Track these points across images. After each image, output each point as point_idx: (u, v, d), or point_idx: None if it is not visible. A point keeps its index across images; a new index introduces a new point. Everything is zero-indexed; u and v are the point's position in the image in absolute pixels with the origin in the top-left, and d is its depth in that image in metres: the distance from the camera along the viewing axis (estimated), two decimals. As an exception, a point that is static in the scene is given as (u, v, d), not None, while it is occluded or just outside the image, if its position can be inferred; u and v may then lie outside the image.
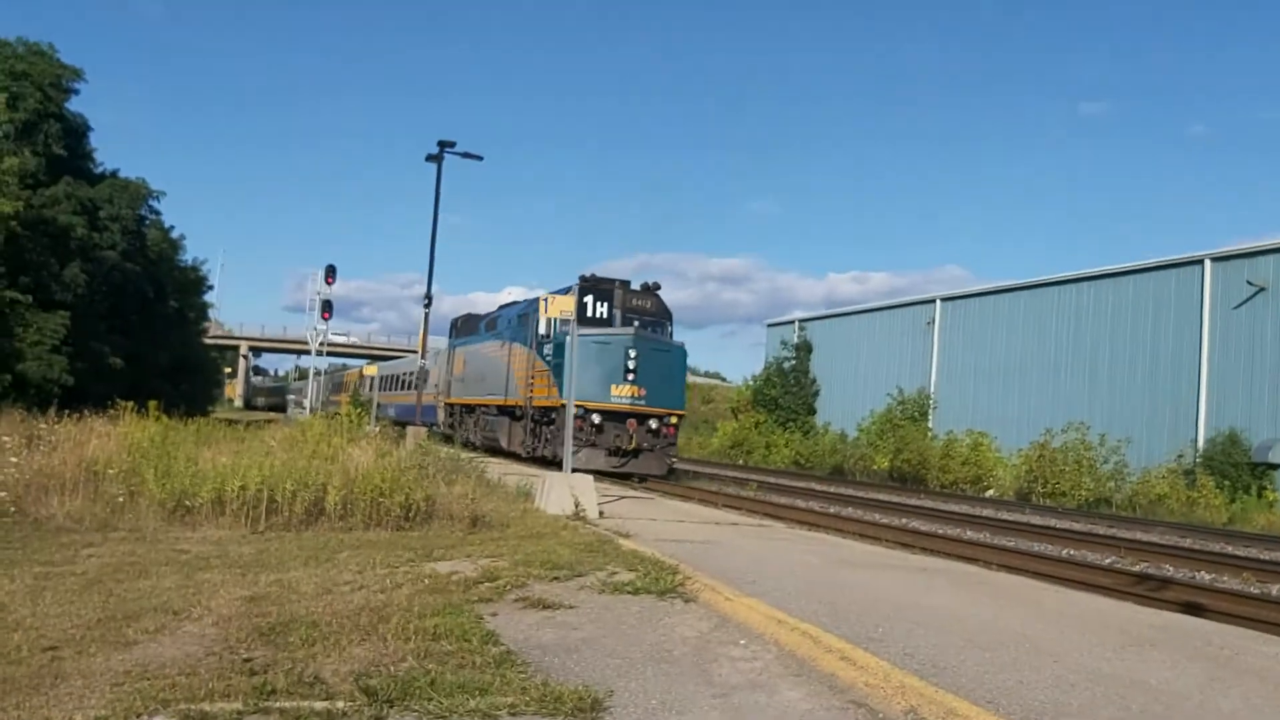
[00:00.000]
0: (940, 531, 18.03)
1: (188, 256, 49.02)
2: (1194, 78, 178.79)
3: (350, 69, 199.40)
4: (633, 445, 22.94)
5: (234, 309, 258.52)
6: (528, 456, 25.00)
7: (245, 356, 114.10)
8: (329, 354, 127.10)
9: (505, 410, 27.13)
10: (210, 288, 54.84)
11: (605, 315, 11.59)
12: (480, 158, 29.30)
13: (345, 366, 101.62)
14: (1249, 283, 30.25)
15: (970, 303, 42.05)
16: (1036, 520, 23.25)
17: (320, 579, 8.12)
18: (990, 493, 32.73)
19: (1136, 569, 14.58)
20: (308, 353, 77.43)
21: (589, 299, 11.57)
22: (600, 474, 19.82)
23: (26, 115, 37.03)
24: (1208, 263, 31.83)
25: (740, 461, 45.54)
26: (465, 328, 34.71)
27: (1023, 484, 31.09)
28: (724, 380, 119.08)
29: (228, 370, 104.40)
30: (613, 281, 20.30)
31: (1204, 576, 14.27)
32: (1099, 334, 35.34)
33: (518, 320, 26.60)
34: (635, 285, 20.75)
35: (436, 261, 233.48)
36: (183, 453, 13.10)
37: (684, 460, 43.61)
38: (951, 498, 29.51)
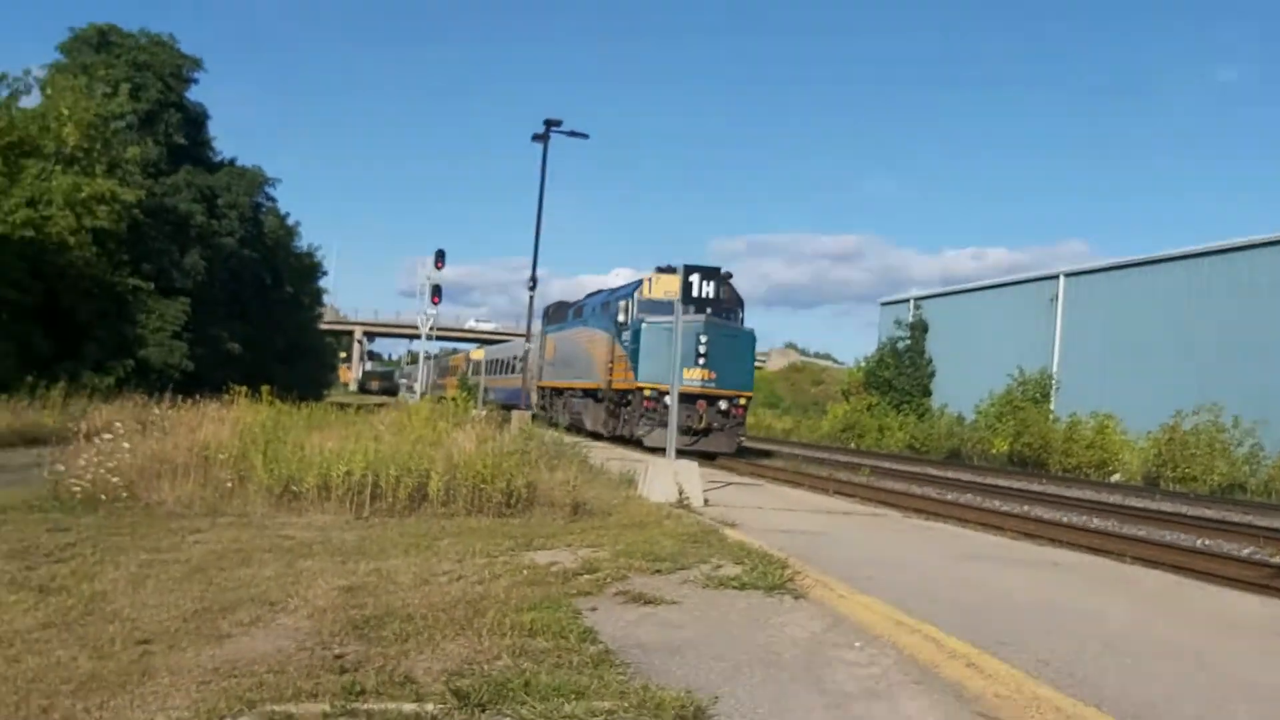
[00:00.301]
0: (1066, 520, 17.19)
1: (302, 243, 50.17)
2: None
3: (461, 53, 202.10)
4: (703, 425, 24.39)
5: (349, 294, 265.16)
6: (609, 436, 26.57)
7: (359, 341, 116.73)
8: (440, 338, 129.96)
9: (589, 393, 28.88)
10: (325, 273, 56.02)
11: (710, 294, 11.16)
12: (586, 136, 29.07)
13: (456, 350, 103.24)
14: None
15: (1096, 278, 40.32)
16: (1167, 507, 22.07)
17: (419, 568, 7.93)
18: (1116, 477, 31.34)
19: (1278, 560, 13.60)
20: (419, 337, 78.87)
21: (695, 276, 11.15)
22: (681, 453, 20.07)
23: (148, 105, 38.18)
24: (1356, 233, 29.86)
25: (852, 445, 44.63)
26: (556, 315, 36.09)
27: (1150, 468, 29.66)
28: (836, 362, 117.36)
29: (342, 355, 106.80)
30: (692, 270, 17.63)
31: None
32: (1233, 310, 33.46)
33: (600, 308, 28.87)
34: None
35: (545, 244, 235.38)
36: (291, 438, 13.10)
37: (793, 444, 43.00)
38: (1075, 483, 28.30)
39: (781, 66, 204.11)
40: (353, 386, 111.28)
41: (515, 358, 44.06)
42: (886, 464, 32.06)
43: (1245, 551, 14.67)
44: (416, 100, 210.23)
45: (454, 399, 26.26)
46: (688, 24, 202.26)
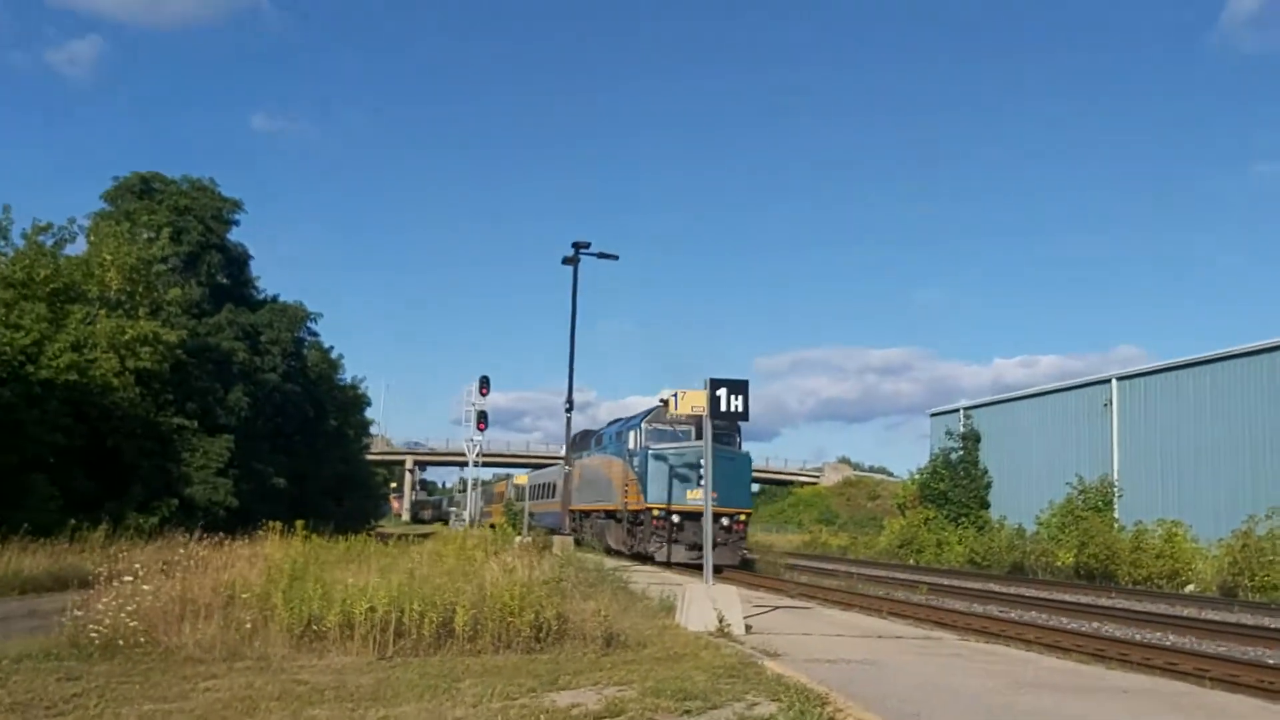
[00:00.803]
0: (1139, 637, 16.15)
1: (346, 375, 50.56)
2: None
3: (500, 179, 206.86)
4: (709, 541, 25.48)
5: (401, 425, 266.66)
6: (629, 554, 28.19)
7: (410, 470, 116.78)
8: (491, 464, 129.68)
9: (609, 514, 31.15)
10: (370, 404, 56.30)
11: (739, 407, 10.78)
12: (616, 257, 29.02)
13: (509, 475, 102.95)
14: None
15: (1150, 380, 39.26)
16: (1247, 619, 20.81)
17: (430, 714, 7.36)
18: (1190, 588, 29.82)
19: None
20: (467, 464, 78.76)
21: (723, 390, 10.74)
22: (683, 566, 25.22)
23: (190, 248, 39.07)
24: None
25: (910, 561, 43.23)
26: (581, 443, 38.15)
27: (1226, 577, 28.20)
28: (890, 475, 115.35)
29: (393, 485, 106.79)
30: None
31: None
32: (1299, 407, 32.30)
33: (615, 436, 31.36)
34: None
35: (593, 367, 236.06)
36: (312, 573, 12.63)
37: (849, 562, 41.72)
38: (1146, 595, 26.94)
39: (823, 177, 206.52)
40: (404, 516, 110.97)
41: (555, 482, 44.83)
42: (946, 581, 30.87)
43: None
44: (460, 225, 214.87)
45: (494, 525, 25.89)
46: (724, 154, 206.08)
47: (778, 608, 15.81)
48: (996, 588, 28.32)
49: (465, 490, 76.03)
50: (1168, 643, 15.63)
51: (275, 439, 42.58)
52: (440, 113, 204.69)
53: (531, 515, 44.84)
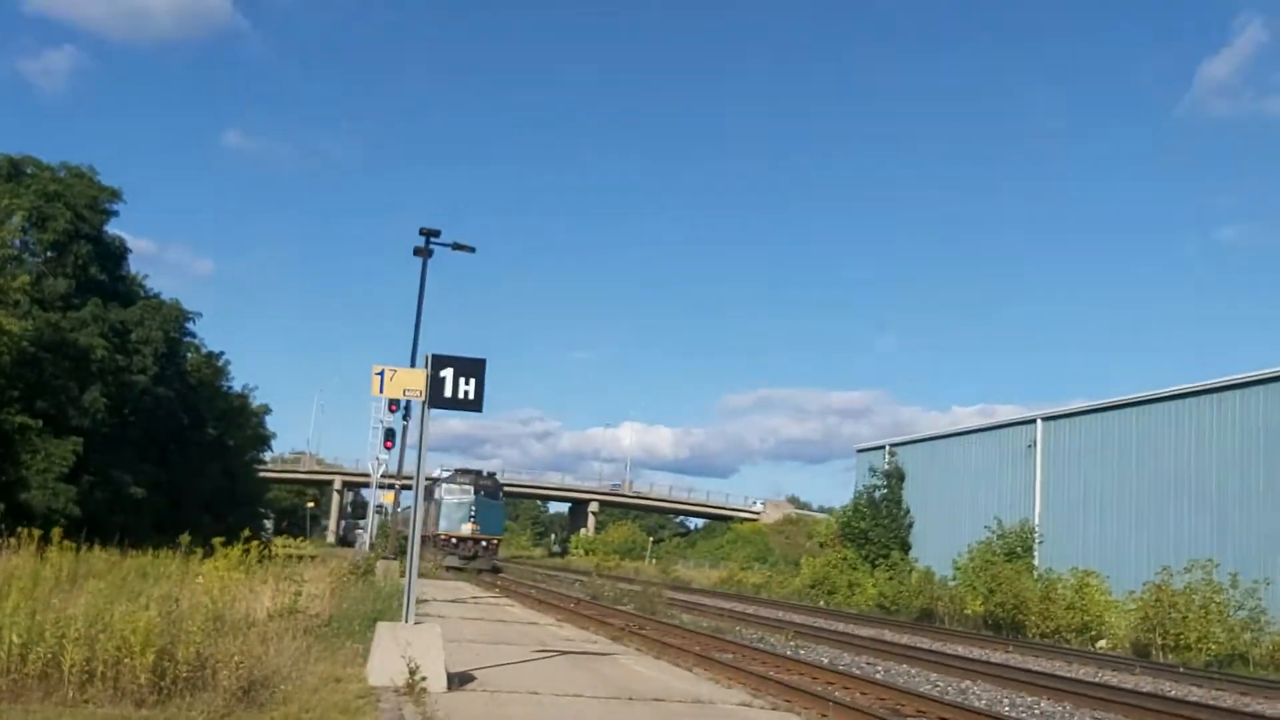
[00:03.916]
0: (1007, 712, 13.56)
1: (235, 384, 47.12)
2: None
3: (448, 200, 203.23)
4: (472, 553, 47.71)
5: (333, 445, 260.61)
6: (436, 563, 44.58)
7: (339, 491, 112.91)
8: (407, 486, 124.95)
9: (429, 538, 46.20)
10: (266, 413, 52.84)
11: (470, 394, 8.21)
12: (472, 249, 26.20)
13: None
14: None
15: (1075, 422, 36.97)
16: (1146, 684, 18.32)
17: None
18: (1101, 645, 27.35)
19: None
20: (407, 487, 75.38)
21: (449, 371, 8.08)
22: (457, 570, 44.50)
23: (56, 236, 35.93)
24: (1356, 366, 26.69)
25: (820, 603, 40.57)
26: (428, 488, 51.78)
27: (1139, 634, 25.75)
28: (832, 514, 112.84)
29: (310, 505, 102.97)
30: (468, 472, 51.06)
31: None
32: (1225, 455, 30.02)
33: (434, 486, 49.86)
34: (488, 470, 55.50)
35: (557, 398, 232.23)
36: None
37: (755, 602, 39.05)
38: (1053, 651, 24.43)
39: (789, 223, 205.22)
40: (330, 539, 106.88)
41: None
42: (841, 625, 28.28)
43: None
44: (405, 244, 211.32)
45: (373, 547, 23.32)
46: (692, 186, 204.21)
47: (563, 653, 13.06)
48: (890, 636, 25.74)
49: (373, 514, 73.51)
50: (1037, 710, 13.06)
51: (145, 446, 39.30)
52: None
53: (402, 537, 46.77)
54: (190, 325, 41.34)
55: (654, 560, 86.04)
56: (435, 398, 9.26)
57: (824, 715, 10.94)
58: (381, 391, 9.17)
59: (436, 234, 25.36)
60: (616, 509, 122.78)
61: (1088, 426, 36.15)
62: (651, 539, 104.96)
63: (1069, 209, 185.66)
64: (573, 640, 15.34)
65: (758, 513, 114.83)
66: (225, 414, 44.40)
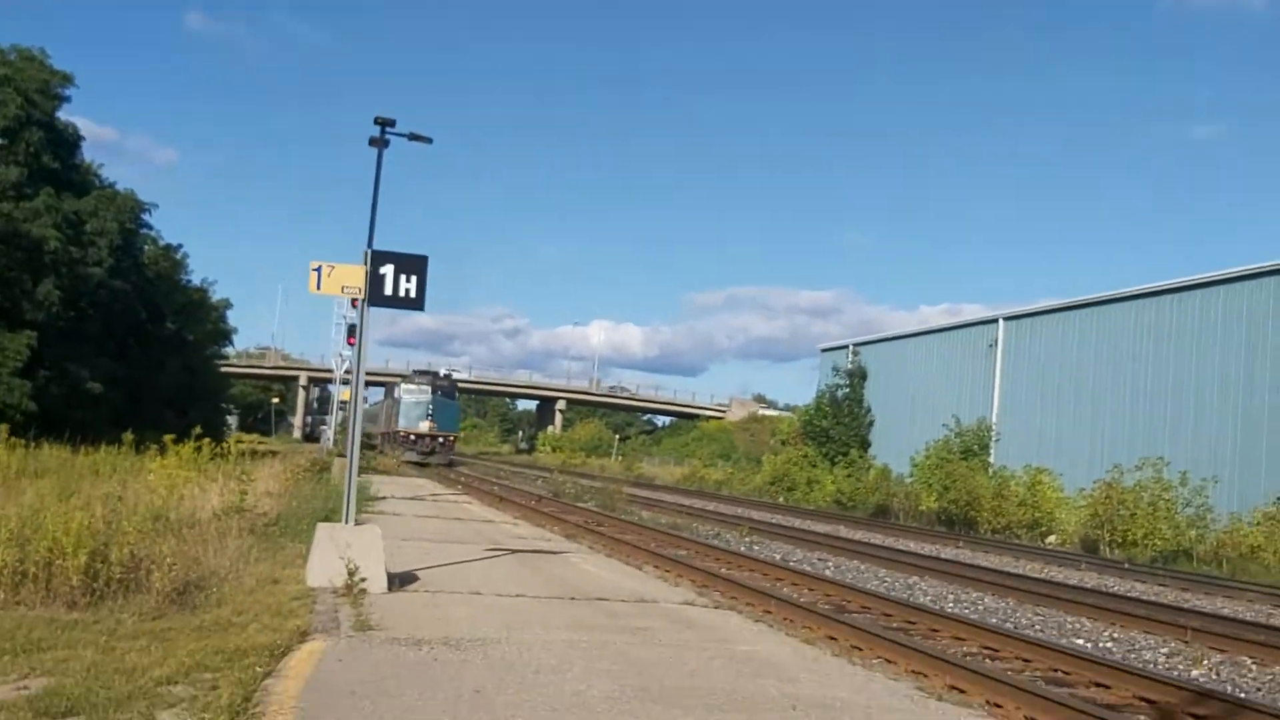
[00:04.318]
0: (950, 608, 13.79)
1: (194, 277, 46.29)
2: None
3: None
4: (430, 449, 49.52)
5: (299, 340, 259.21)
6: (393, 458, 47.11)
7: (304, 387, 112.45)
8: (371, 382, 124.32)
9: (388, 435, 53.13)
10: (229, 307, 52.22)
11: (411, 291, 8.01)
12: (429, 140, 25.28)
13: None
14: (1363, 291, 25.26)
15: (1036, 321, 37.19)
16: (1090, 580, 18.70)
17: None
18: (1051, 540, 27.94)
19: (1201, 672, 10.21)
20: (388, 382, 75.01)
21: (389, 268, 7.83)
22: (418, 465, 45.43)
23: (6, 122, 34.80)
24: (1313, 268, 26.82)
25: (780, 500, 41.12)
26: (388, 389, 58.94)
27: (1088, 530, 26.28)
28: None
29: (275, 401, 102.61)
30: (425, 373, 55.71)
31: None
32: (1182, 355, 30.33)
33: (390, 390, 56.52)
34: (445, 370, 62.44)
35: (528, 296, 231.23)
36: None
37: (715, 498, 39.48)
38: (1003, 547, 24.91)
39: (757, 118, 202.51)
40: (297, 435, 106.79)
41: (377, 412, 62.50)
42: (798, 521, 28.66)
43: (1165, 651, 11.32)
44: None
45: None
46: (665, 78, 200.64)
47: (514, 551, 13.11)
48: (845, 531, 26.14)
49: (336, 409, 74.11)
50: (977, 615, 13.28)
51: (103, 341, 38.77)
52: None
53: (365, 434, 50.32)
54: (146, 217, 40.45)
55: (620, 457, 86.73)
56: (375, 295, 9.04)
57: (767, 612, 11.06)
58: (319, 288, 8.93)
59: (392, 123, 24.36)
60: (584, 407, 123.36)
61: (1049, 326, 36.37)
62: (618, 436, 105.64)
63: (1043, 104, 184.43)
64: (526, 539, 15.42)
65: (724, 411, 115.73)
66: (184, 308, 43.78)
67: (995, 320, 39.01)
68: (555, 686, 5.72)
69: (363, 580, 8.56)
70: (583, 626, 7.90)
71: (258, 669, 5.66)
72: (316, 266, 8.84)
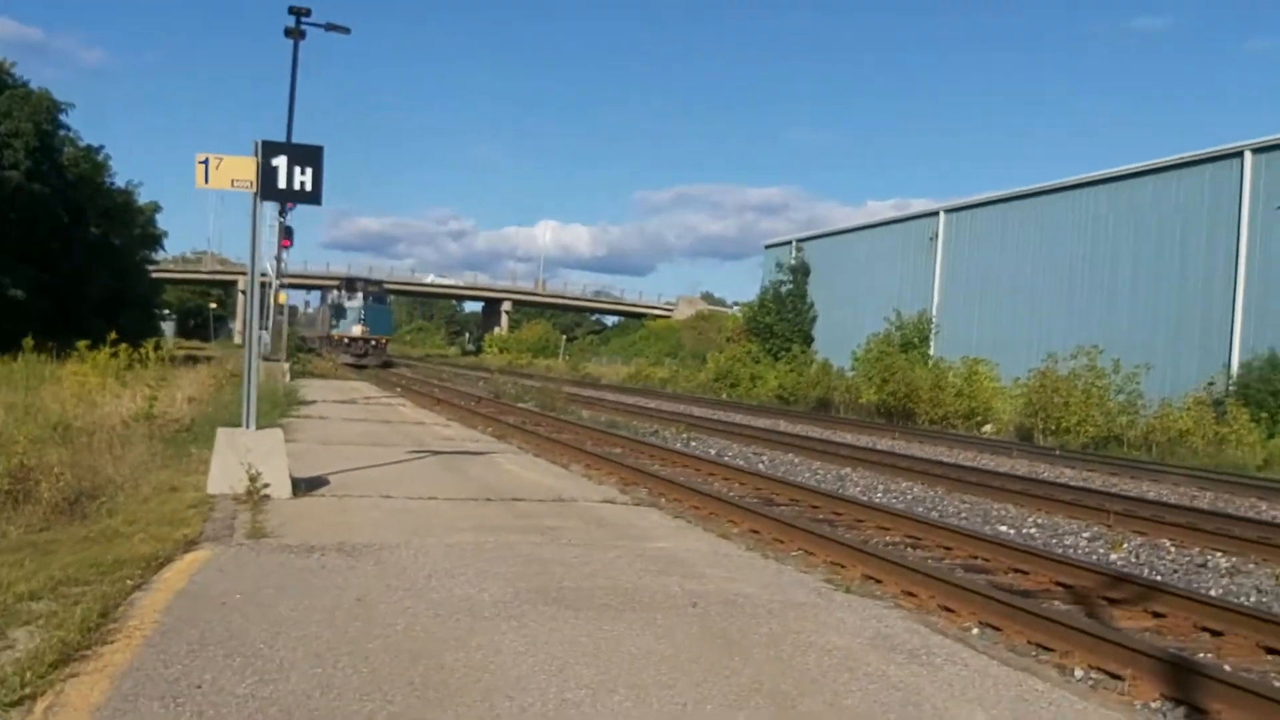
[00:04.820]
0: (879, 498, 13.82)
1: (118, 179, 44.59)
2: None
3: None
4: (364, 351, 51.20)
5: (237, 244, 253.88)
6: (329, 359, 48.03)
7: (244, 292, 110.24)
8: (308, 285, 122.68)
9: (324, 338, 54.09)
10: (158, 210, 50.62)
11: (307, 184, 7.52)
12: (347, 30, 24.56)
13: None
14: (1296, 176, 25.32)
15: (976, 213, 37.14)
16: (1021, 468, 18.89)
17: None
18: (987, 430, 28.27)
19: (1120, 555, 10.28)
20: (296, 286, 73.73)
21: (281, 160, 7.32)
22: (356, 369, 45.78)
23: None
24: (1248, 155, 26.79)
25: (724, 396, 41.23)
26: (328, 298, 59.84)
27: (1023, 419, 26.59)
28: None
29: (213, 306, 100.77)
30: (357, 280, 58.98)
31: (1221, 563, 9.96)
32: (1118, 244, 30.47)
33: (324, 297, 59.23)
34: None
35: (471, 196, 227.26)
36: None
37: (658, 396, 39.48)
38: (938, 437, 25.14)
39: (706, 14, 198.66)
40: (238, 340, 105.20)
41: (315, 316, 64.88)
42: (739, 417, 28.69)
43: (1088, 534, 11.40)
44: (328, 42, 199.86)
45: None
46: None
47: (437, 453, 12.84)
48: (785, 426, 26.19)
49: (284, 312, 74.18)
50: (889, 497, 13.30)
51: (24, 248, 37.42)
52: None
53: (304, 339, 54.09)
54: (65, 118, 38.74)
55: (567, 358, 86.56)
56: (267, 189, 8.53)
57: (695, 508, 10.93)
58: (206, 182, 8.40)
59: (307, 13, 23.61)
60: (532, 309, 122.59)
61: (988, 218, 36.35)
62: (565, 337, 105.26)
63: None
64: (454, 440, 15.15)
65: (671, 309, 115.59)
66: (109, 212, 42.30)
67: (936, 213, 38.90)
68: (445, 591, 5.48)
69: (265, 486, 8.25)
70: (490, 528, 7.67)
71: (128, 581, 5.35)
72: (203, 159, 8.28)
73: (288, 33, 23.76)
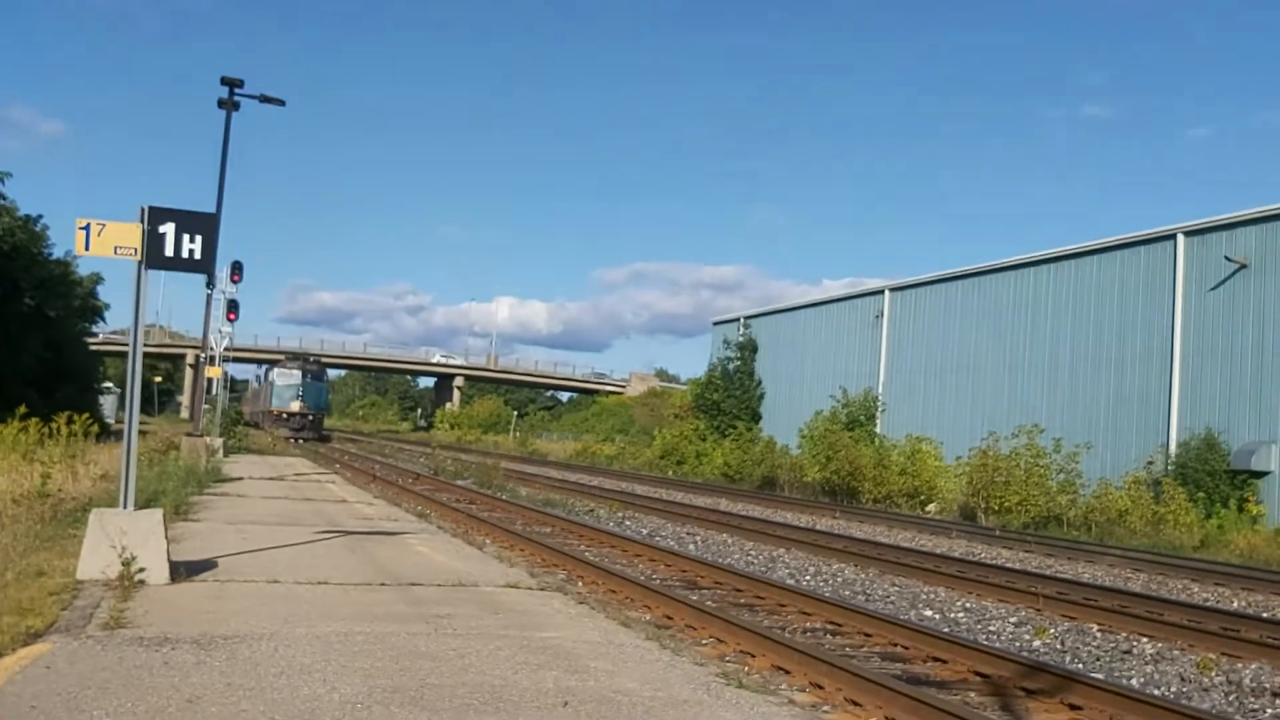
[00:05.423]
0: (808, 582, 13.45)
1: (57, 249, 43.68)
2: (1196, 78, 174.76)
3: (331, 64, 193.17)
4: (301, 426, 54.67)
5: (186, 317, 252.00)
6: (269, 433, 51.25)
7: (192, 366, 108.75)
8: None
9: (264, 413, 58.15)
10: (99, 282, 49.56)
11: (196, 252, 7.13)
12: (281, 102, 24.35)
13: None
14: (1227, 259, 25.58)
15: (920, 292, 37.34)
16: (959, 549, 18.62)
17: None
18: (931, 509, 28.04)
19: (1044, 642, 9.95)
20: (270, 362, 72.71)
21: (169, 226, 6.94)
22: (292, 441, 49.60)
23: None
24: (1180, 238, 27.17)
25: (669, 474, 40.81)
26: (265, 372, 65.24)
27: (966, 498, 26.40)
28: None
29: (158, 380, 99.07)
30: (299, 357, 63.08)
31: (1147, 649, 9.66)
32: (1058, 324, 30.66)
33: (265, 374, 63.91)
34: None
35: (432, 271, 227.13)
36: None
37: (602, 473, 39.01)
38: (879, 517, 24.87)
39: (667, 96, 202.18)
40: (185, 414, 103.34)
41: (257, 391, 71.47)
42: (675, 494, 28.33)
43: (1015, 620, 11.08)
44: (294, 118, 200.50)
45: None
46: (585, 66, 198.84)
47: (348, 533, 12.33)
48: (724, 504, 25.84)
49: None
50: (813, 582, 12.93)
51: (-46, 319, 36.51)
52: None
53: (249, 413, 57.71)
54: (1, 187, 38.04)
55: (517, 434, 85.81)
56: (154, 256, 8.15)
57: (611, 592, 10.52)
58: (88, 249, 8.02)
59: (240, 84, 23.39)
60: (485, 384, 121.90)
61: (932, 297, 36.55)
62: (516, 413, 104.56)
63: (943, 82, 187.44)
64: (372, 519, 14.60)
65: (623, 386, 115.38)
66: (45, 283, 41.39)
67: (882, 291, 39.09)
68: (290, 690, 5.02)
69: (140, 571, 7.74)
70: (371, 617, 7.20)
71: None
72: (84, 224, 7.90)
73: (220, 104, 23.51)
